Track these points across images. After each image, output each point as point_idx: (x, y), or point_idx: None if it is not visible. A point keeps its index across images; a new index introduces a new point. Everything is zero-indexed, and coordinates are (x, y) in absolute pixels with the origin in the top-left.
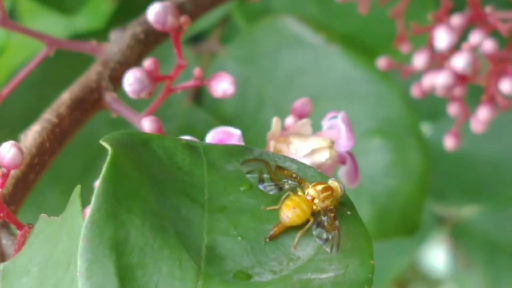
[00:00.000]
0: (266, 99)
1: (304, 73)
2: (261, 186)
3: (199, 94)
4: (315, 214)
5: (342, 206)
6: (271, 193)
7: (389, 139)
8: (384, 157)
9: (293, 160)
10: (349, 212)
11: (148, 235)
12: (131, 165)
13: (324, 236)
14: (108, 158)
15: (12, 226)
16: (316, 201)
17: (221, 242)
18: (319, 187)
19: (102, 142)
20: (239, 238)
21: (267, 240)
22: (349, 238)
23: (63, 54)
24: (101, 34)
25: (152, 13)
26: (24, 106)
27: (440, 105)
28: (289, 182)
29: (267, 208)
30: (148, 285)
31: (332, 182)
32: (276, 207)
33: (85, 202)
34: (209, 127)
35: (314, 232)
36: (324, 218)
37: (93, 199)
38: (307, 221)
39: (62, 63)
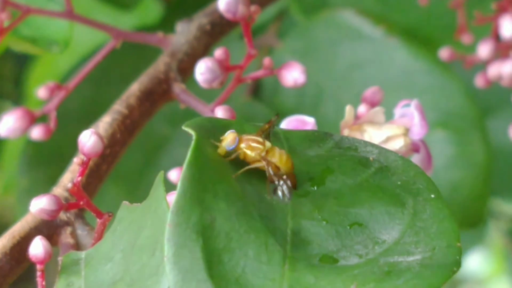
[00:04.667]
0: (325, 92)
1: (363, 66)
2: None
3: (258, 88)
4: None
5: (425, 190)
6: None
7: (452, 132)
8: (447, 150)
9: (374, 145)
10: (433, 195)
11: (234, 220)
12: (214, 150)
13: None
14: (193, 143)
15: (87, 216)
16: None
17: (305, 226)
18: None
19: (185, 128)
20: (324, 222)
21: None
22: (434, 220)
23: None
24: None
25: (223, 2)
26: (81, 100)
27: (490, 102)
28: None
29: None
30: (235, 269)
31: None
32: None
33: (144, 196)
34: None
35: None
36: None
37: (179, 184)
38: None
39: (122, 57)
